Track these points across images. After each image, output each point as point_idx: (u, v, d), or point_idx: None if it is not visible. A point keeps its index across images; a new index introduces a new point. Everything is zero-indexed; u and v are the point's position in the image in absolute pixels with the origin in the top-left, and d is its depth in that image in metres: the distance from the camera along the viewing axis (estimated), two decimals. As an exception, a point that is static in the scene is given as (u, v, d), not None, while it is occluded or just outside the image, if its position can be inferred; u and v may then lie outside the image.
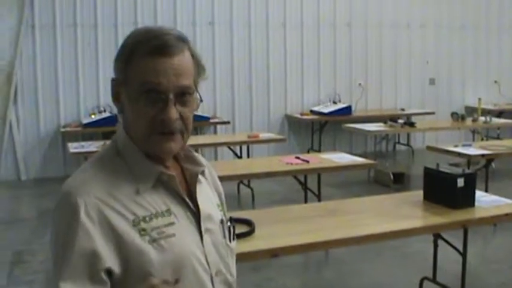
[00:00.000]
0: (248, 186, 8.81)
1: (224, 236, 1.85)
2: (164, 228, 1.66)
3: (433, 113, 12.32)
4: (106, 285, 1.57)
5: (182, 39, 1.71)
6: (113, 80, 1.75)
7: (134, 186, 1.69)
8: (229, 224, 1.90)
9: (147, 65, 1.66)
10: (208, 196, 1.87)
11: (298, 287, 5.65)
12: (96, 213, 1.60)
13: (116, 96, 1.75)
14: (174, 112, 1.67)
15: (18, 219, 7.97)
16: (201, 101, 1.77)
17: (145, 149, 1.72)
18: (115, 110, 10.14)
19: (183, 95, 1.69)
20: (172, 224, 1.69)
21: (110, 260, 1.58)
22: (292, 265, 5.97)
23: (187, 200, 1.76)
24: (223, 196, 2.00)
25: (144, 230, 1.63)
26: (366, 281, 5.72)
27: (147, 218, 1.65)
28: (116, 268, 1.58)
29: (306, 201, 6.86)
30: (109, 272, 1.57)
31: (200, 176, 1.85)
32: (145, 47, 1.66)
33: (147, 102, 1.66)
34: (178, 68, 1.67)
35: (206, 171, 1.91)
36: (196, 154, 1.88)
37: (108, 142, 1.83)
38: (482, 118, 10.28)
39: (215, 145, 9.73)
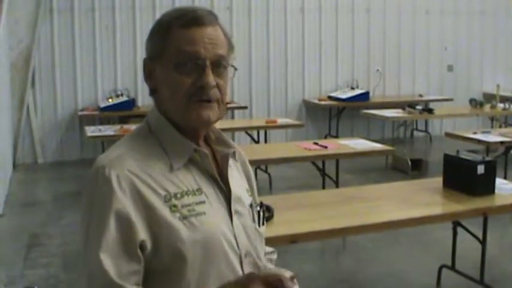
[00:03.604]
0: (265, 171, 8.79)
1: (253, 220, 1.84)
2: (195, 206, 1.67)
3: (451, 100, 12.24)
4: (140, 262, 1.58)
5: (214, 15, 1.77)
6: (145, 59, 1.78)
7: (167, 163, 1.70)
8: (258, 208, 1.89)
9: (184, 36, 1.70)
10: (237, 179, 1.86)
11: (315, 273, 5.62)
12: (128, 185, 1.61)
13: (148, 75, 1.77)
14: (211, 78, 1.70)
15: (34, 202, 8.00)
16: (236, 69, 1.82)
17: (182, 121, 1.73)
18: (132, 94, 10.28)
19: (219, 66, 1.73)
20: (203, 202, 1.69)
21: (143, 232, 1.58)
22: (310, 251, 5.95)
23: (219, 180, 1.76)
24: (253, 180, 2.00)
25: (175, 206, 1.64)
26: (384, 268, 5.69)
27: (178, 195, 1.66)
28: (148, 243, 1.58)
29: (323, 187, 6.84)
30: (142, 248, 1.58)
31: (231, 160, 1.84)
32: (180, 21, 1.71)
33: (184, 71, 1.69)
34: (213, 37, 1.72)
35: (237, 154, 1.91)
36: (226, 137, 1.88)
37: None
38: (500, 105, 10.19)
39: (232, 130, 9.68)
